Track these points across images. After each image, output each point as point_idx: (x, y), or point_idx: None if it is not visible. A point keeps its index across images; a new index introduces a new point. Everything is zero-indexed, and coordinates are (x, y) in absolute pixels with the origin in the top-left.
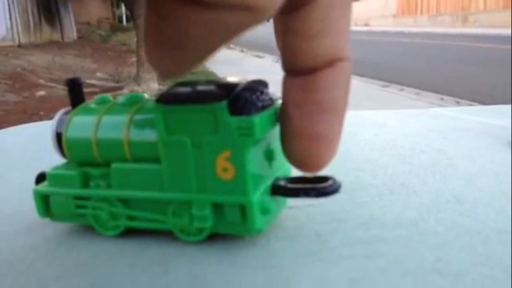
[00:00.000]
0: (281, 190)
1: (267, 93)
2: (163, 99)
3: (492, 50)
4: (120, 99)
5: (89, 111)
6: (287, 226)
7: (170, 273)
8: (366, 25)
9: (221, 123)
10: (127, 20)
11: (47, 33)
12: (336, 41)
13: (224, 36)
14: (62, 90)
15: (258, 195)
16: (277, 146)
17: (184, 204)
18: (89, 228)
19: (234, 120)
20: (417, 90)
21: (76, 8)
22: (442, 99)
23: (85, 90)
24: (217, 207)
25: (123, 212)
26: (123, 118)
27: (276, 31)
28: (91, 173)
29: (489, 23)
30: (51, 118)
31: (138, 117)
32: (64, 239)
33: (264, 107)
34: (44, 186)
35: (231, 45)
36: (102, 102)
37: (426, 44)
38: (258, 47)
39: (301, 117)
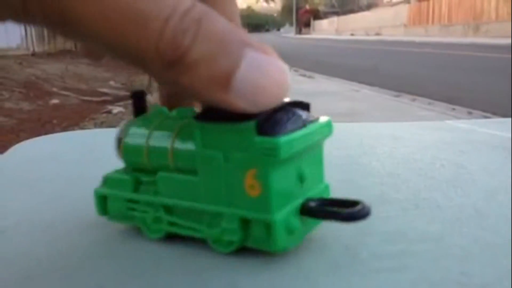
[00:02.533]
0: (309, 211)
1: (301, 115)
2: (200, 117)
3: (505, 60)
4: (173, 112)
5: (146, 122)
6: (316, 239)
7: (209, 282)
8: (377, 34)
9: (249, 142)
10: None
11: (60, 42)
12: None
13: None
14: (75, 99)
15: (282, 214)
16: (311, 166)
17: (216, 215)
18: (132, 234)
19: (260, 140)
20: (429, 100)
21: None
22: (454, 109)
23: (98, 98)
24: (246, 222)
25: (165, 218)
26: (172, 130)
27: None
28: (142, 179)
29: (501, 33)
30: (64, 127)
31: (183, 130)
32: (108, 245)
33: (295, 129)
34: (103, 188)
35: None
36: (158, 114)
37: (437, 54)
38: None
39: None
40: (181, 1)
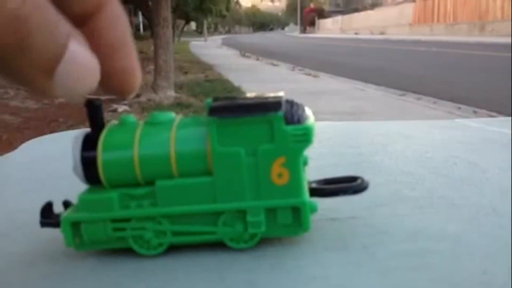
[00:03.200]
0: (319, 191)
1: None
2: (217, 112)
3: (510, 59)
4: (147, 119)
5: (119, 134)
6: (333, 238)
7: (226, 280)
8: (382, 33)
9: (277, 132)
10: (144, 29)
11: None
12: None
13: None
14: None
15: (308, 196)
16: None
17: (236, 212)
18: None
19: (290, 129)
20: (434, 99)
21: None
22: (459, 108)
23: (103, 97)
24: (269, 212)
25: (169, 229)
26: (164, 136)
27: None
28: (132, 194)
29: (507, 32)
30: (70, 125)
31: (181, 133)
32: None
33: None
34: (73, 213)
35: (247, 54)
36: (126, 123)
37: (443, 53)
38: (273, 56)
39: (104, 59)
40: None
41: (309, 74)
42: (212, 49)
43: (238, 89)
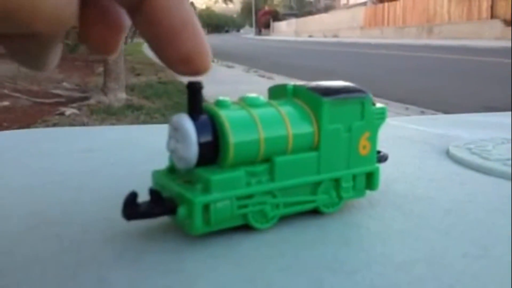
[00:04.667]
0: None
1: None
2: (329, 94)
3: (456, 61)
4: (244, 102)
5: (236, 114)
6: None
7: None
8: (335, 36)
9: (367, 111)
10: None
11: None
12: None
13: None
14: (26, 101)
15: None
16: None
17: (332, 181)
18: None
19: (374, 108)
20: (386, 101)
21: None
22: (407, 108)
23: (50, 100)
24: (356, 178)
25: (281, 201)
26: (278, 117)
27: None
28: (253, 171)
29: (453, 35)
30: (15, 130)
31: (290, 113)
32: (147, 237)
33: None
34: (204, 196)
35: None
36: (226, 105)
37: (392, 56)
38: (228, 57)
39: (168, 43)
40: None
41: (263, 76)
42: None
43: None
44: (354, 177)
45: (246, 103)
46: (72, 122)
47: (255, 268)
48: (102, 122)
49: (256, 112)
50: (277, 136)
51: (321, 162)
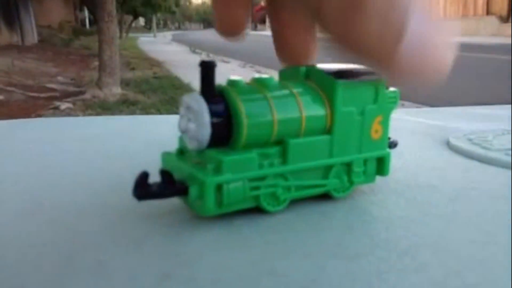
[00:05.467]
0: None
1: None
2: (343, 76)
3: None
4: (256, 82)
5: (248, 100)
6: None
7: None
8: None
9: (380, 94)
10: (91, 24)
11: (6, 36)
12: None
13: None
14: (20, 95)
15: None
16: None
17: (343, 165)
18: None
19: (388, 92)
20: None
21: (37, 11)
22: (403, 105)
23: (45, 94)
24: (366, 162)
25: (293, 184)
26: (292, 99)
27: None
28: (266, 153)
29: None
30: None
31: (304, 95)
32: (162, 220)
33: None
34: (217, 176)
35: (197, 50)
36: (239, 85)
37: None
38: (224, 52)
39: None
40: None
41: (259, 71)
42: (162, 45)
43: (187, 86)
44: (365, 161)
45: (259, 84)
46: (67, 116)
47: (257, 253)
48: (96, 116)
49: (269, 93)
50: (291, 118)
51: (334, 145)
